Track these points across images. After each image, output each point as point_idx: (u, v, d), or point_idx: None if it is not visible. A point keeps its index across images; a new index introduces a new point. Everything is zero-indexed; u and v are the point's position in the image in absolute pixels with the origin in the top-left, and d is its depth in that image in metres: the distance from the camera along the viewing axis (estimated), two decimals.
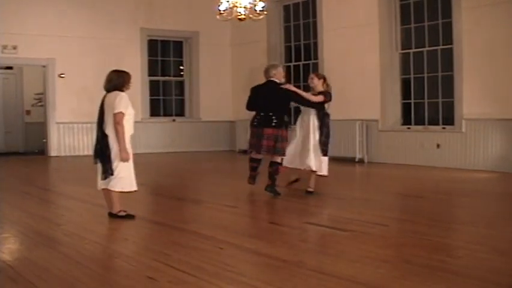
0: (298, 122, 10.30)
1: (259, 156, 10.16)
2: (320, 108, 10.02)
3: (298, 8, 18.52)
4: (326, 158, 10.08)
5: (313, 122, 10.00)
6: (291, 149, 10.18)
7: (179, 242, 6.63)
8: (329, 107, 10.36)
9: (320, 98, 9.95)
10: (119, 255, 6.14)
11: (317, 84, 10.19)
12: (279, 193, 10.02)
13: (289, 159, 10.17)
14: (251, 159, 10.31)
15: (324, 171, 10.12)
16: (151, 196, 10.47)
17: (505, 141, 13.12)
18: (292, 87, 10.10)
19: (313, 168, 10.03)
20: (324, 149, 10.02)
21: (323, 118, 10.04)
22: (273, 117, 9.73)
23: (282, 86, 9.92)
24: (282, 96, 9.84)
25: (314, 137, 9.98)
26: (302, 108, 10.24)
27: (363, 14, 16.02)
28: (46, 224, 7.80)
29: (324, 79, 10.34)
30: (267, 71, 10.00)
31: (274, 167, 10.01)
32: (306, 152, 10.02)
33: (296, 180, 10.71)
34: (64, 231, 7.28)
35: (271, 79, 9.93)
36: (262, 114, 9.86)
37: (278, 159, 10.00)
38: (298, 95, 9.94)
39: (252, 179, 10.37)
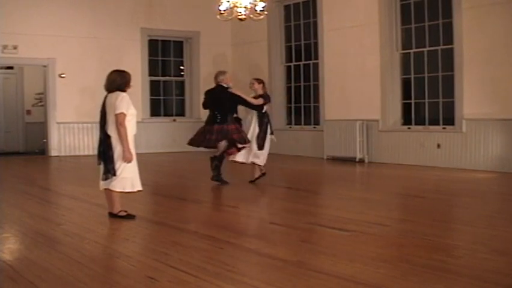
0: (246, 123, 11.61)
1: (218, 153, 11.30)
2: (260, 109, 11.45)
3: (298, 8, 18.52)
4: (263, 152, 11.43)
5: (255, 121, 11.42)
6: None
7: (179, 242, 6.64)
8: (269, 108, 11.99)
9: (260, 101, 11.39)
10: (120, 255, 6.15)
11: (257, 88, 11.62)
12: (227, 182, 11.30)
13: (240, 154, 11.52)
14: (210, 159, 11.43)
15: (261, 162, 11.49)
16: (151, 196, 10.47)
17: (505, 142, 13.12)
18: (237, 92, 11.45)
19: (249, 161, 11.49)
20: (260, 143, 11.38)
21: (262, 118, 11.47)
22: (218, 115, 11.17)
23: (230, 90, 11.36)
24: (227, 98, 11.26)
25: (254, 133, 11.41)
26: (246, 110, 11.79)
27: (363, 14, 16.02)
28: (46, 224, 7.80)
29: (263, 83, 11.79)
30: (216, 77, 11.48)
31: (221, 157, 11.36)
32: (251, 148, 11.40)
33: (262, 175, 11.63)
34: (64, 231, 7.29)
35: (220, 84, 11.40)
36: (210, 113, 11.39)
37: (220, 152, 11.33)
38: (242, 98, 11.35)
39: (215, 177, 11.33)
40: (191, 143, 11.50)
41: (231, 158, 11.51)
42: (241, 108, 11.66)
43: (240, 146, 11.23)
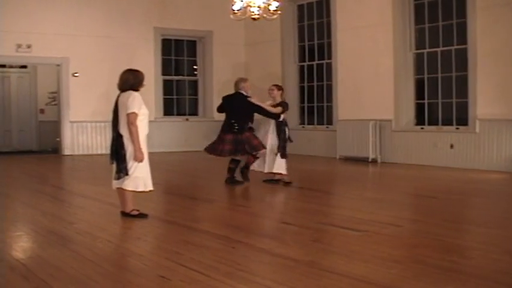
0: (261, 131, 11.44)
1: (237, 158, 11.29)
2: (277, 118, 11.22)
3: (312, 7, 18.51)
4: (283, 160, 11.20)
5: (272, 130, 11.22)
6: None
7: (191, 241, 6.64)
8: (286, 116, 11.68)
9: (279, 110, 11.15)
10: (132, 254, 6.16)
11: (276, 95, 11.46)
12: (240, 182, 11.26)
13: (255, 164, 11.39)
14: (230, 161, 11.43)
15: (282, 170, 11.24)
16: (163, 195, 10.49)
17: None
18: (256, 101, 11.21)
19: (266, 171, 11.30)
20: (282, 152, 11.14)
21: (280, 126, 11.23)
22: (235, 124, 10.99)
23: (248, 99, 11.14)
24: (245, 107, 11.09)
25: (271, 142, 11.20)
26: (262, 118, 11.46)
27: (377, 13, 15.99)
28: (59, 223, 7.83)
29: (283, 90, 11.76)
30: (236, 84, 11.34)
31: (248, 159, 11.27)
32: (266, 156, 11.25)
33: (277, 181, 11.46)
34: (77, 230, 7.31)
35: (239, 91, 11.24)
36: (227, 121, 11.20)
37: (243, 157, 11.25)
38: (260, 107, 11.10)
39: (229, 180, 11.33)
40: (206, 149, 11.49)
41: (251, 167, 11.39)
42: (257, 117, 11.43)
43: (255, 153, 11.03)
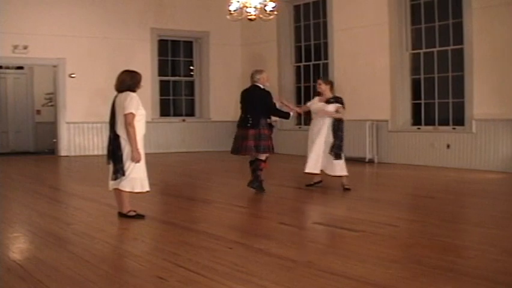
0: (311, 128, 10.78)
1: (252, 158, 10.47)
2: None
3: (308, 8, 18.52)
4: (340, 161, 10.50)
5: (328, 126, 10.50)
6: (312, 155, 10.66)
7: (189, 241, 6.63)
8: (344, 112, 10.73)
9: (332, 109, 10.46)
10: (129, 255, 6.15)
11: (325, 89, 10.68)
12: (263, 189, 10.36)
13: (310, 165, 10.66)
14: (249, 163, 10.61)
15: (342, 172, 10.58)
16: (160, 196, 10.48)
17: None
18: (284, 101, 11.03)
19: (329, 173, 10.65)
20: (337, 152, 10.45)
21: (338, 124, 10.49)
22: (250, 118, 10.23)
23: (279, 103, 10.69)
24: (261, 100, 10.33)
25: (326, 141, 10.50)
26: (313, 114, 10.81)
27: (373, 14, 16.00)
28: (56, 224, 7.82)
29: (332, 84, 10.90)
30: (252, 76, 10.51)
31: (256, 164, 10.36)
32: (320, 156, 10.58)
33: (318, 182, 11.04)
34: (74, 231, 7.30)
35: (255, 84, 10.45)
36: (242, 115, 10.44)
37: (261, 157, 10.33)
38: (271, 107, 10.38)
39: (252, 183, 10.52)
40: (232, 151, 10.51)
41: (307, 170, 10.67)
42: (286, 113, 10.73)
43: (257, 152, 10.22)
